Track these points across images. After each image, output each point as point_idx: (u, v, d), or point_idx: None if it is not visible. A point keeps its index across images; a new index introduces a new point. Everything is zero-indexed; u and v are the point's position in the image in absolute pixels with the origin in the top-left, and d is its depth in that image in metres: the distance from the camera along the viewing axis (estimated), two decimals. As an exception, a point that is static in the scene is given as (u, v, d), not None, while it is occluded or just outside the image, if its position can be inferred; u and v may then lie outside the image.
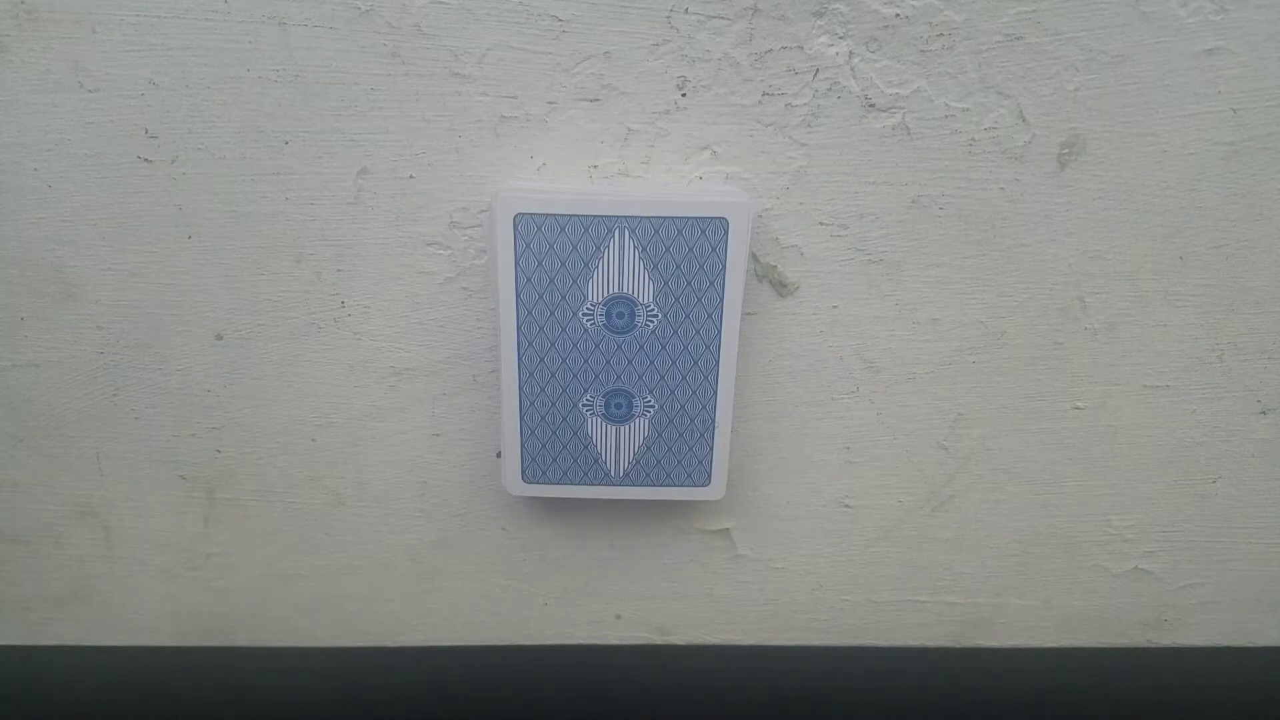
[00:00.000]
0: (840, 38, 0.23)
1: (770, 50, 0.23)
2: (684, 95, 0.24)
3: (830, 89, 0.24)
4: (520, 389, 0.25)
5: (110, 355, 0.27)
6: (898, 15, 0.23)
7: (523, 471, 0.26)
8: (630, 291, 0.23)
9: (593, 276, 0.23)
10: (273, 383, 0.27)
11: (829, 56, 0.24)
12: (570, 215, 0.23)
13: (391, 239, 0.25)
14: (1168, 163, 0.25)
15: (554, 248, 0.22)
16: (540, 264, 0.23)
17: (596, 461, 0.25)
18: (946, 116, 0.24)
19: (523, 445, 0.25)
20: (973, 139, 0.24)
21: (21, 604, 0.30)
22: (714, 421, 0.25)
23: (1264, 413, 0.28)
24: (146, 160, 0.24)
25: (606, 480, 0.26)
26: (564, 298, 0.23)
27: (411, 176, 0.25)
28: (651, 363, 0.24)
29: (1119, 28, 0.23)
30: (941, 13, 0.23)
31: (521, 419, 0.25)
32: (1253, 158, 0.25)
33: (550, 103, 0.24)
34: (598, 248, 0.23)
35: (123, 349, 0.27)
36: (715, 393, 0.25)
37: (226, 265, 0.26)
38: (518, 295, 0.23)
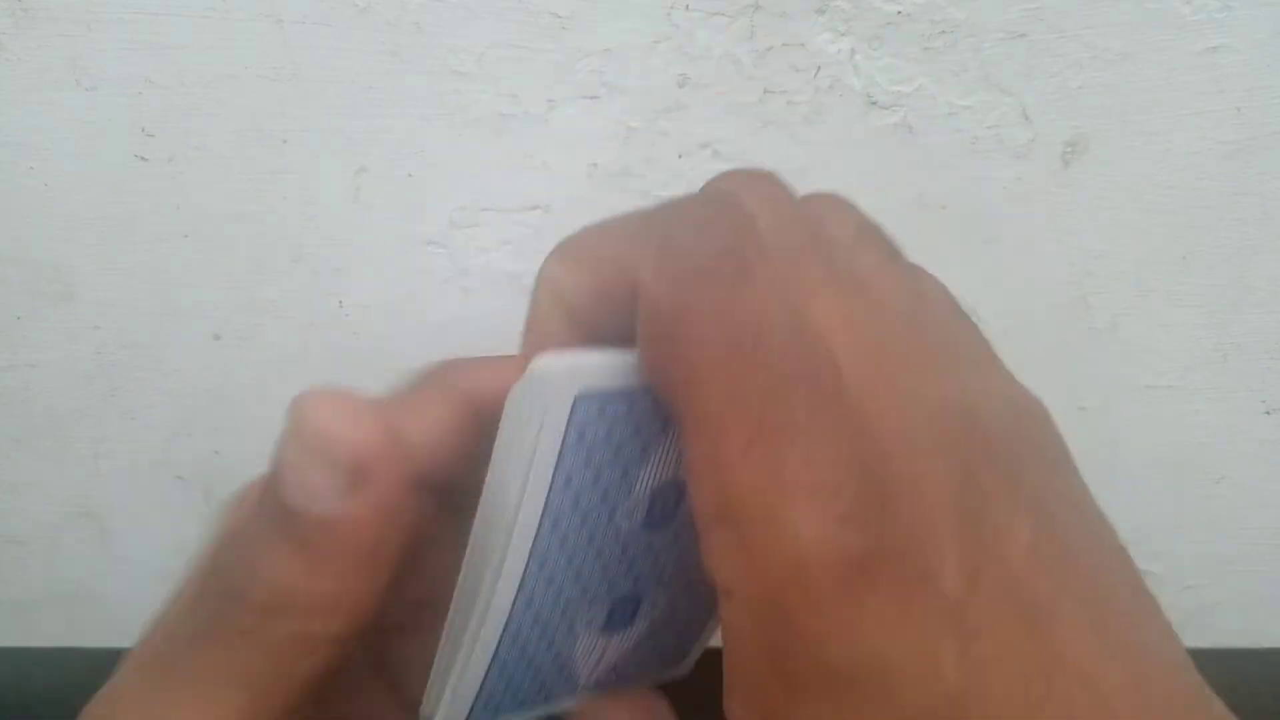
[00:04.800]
0: (842, 35, 0.23)
1: (771, 47, 0.23)
2: (684, 92, 0.24)
3: (832, 86, 0.24)
4: (504, 634, 0.17)
5: (107, 355, 0.27)
6: (900, 12, 0.23)
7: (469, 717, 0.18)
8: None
9: (650, 460, 0.16)
10: (271, 383, 0.27)
11: (831, 54, 0.23)
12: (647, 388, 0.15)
13: (390, 238, 0.25)
14: (1171, 161, 0.25)
15: (612, 433, 0.15)
16: (589, 458, 0.15)
17: (564, 673, 0.19)
18: (949, 114, 0.24)
19: (481, 695, 0.18)
20: (975, 137, 0.24)
21: (17, 605, 0.30)
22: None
23: (1268, 413, 0.28)
24: (143, 159, 0.24)
25: (570, 691, 0.19)
26: (603, 497, 0.16)
27: (410, 175, 0.24)
28: (682, 552, 0.18)
29: (1122, 25, 0.23)
30: (944, 10, 0.23)
31: (491, 669, 0.17)
32: (1257, 156, 0.25)
33: (549, 100, 0.24)
34: (665, 423, 0.16)
35: (120, 349, 0.27)
36: None
37: (224, 264, 0.25)
38: (546, 508, 0.15)
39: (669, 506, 0.17)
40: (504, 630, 0.16)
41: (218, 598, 0.14)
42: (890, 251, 0.16)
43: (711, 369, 0.12)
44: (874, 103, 0.24)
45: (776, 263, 0.13)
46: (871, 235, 0.16)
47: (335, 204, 0.25)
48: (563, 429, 0.14)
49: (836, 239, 0.15)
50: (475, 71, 0.23)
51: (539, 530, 0.15)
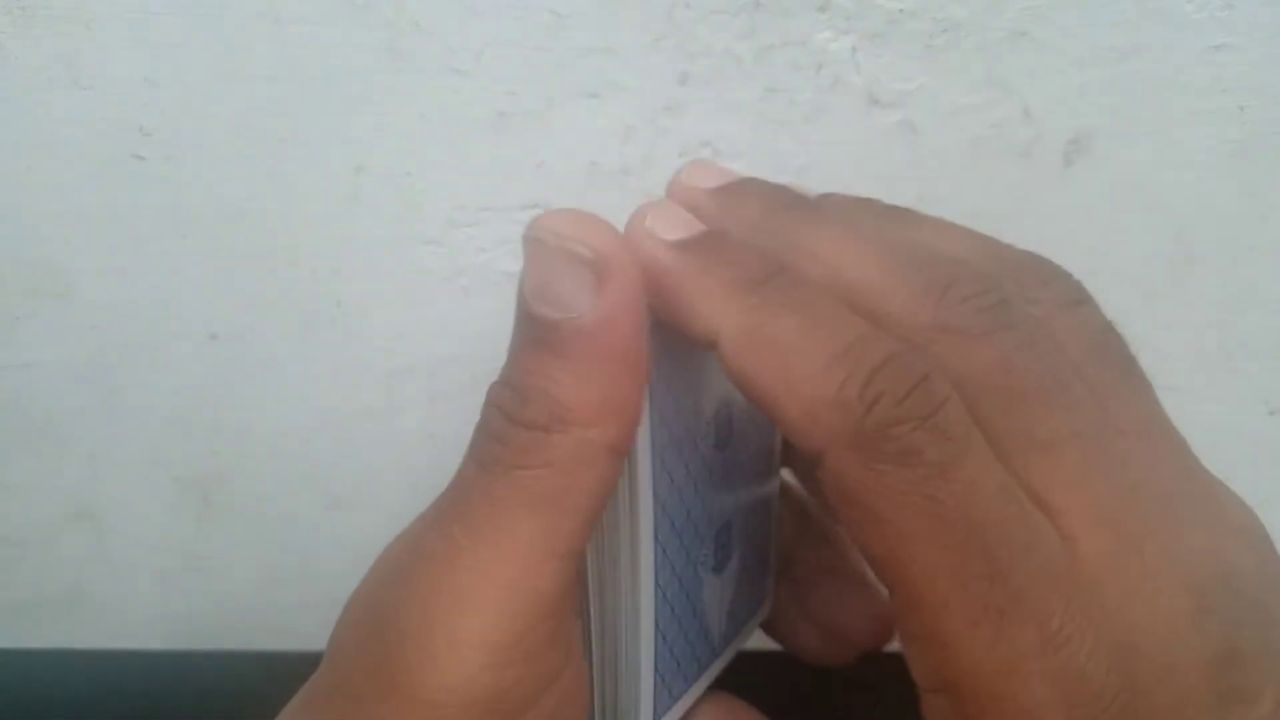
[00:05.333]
0: (844, 33, 0.23)
1: (772, 45, 0.23)
2: (685, 90, 0.24)
3: (833, 85, 0.24)
4: (657, 601, 0.16)
5: (104, 355, 0.27)
6: (902, 10, 0.23)
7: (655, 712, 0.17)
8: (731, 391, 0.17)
9: (706, 381, 0.17)
10: (268, 383, 0.27)
11: (832, 52, 0.23)
12: None
13: (388, 237, 0.25)
14: (1174, 160, 0.25)
15: (676, 357, 0.15)
16: (669, 385, 0.16)
17: (704, 632, 0.18)
18: (951, 113, 0.24)
19: (658, 679, 0.17)
20: (978, 136, 0.24)
21: (14, 606, 0.30)
22: (772, 513, 0.19)
23: (1272, 413, 0.28)
24: (141, 158, 0.24)
25: (711, 654, 0.19)
26: (686, 426, 0.16)
27: (409, 174, 0.24)
28: (742, 470, 0.18)
29: (1125, 23, 0.23)
30: (946, 8, 0.23)
31: (657, 644, 0.16)
32: (1261, 155, 0.25)
33: (549, 98, 0.24)
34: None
35: (117, 349, 0.27)
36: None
37: (221, 264, 0.25)
38: (652, 446, 0.15)
39: (726, 427, 0.17)
40: (656, 597, 0.16)
41: (495, 429, 0.14)
42: (1125, 361, 0.15)
43: (922, 550, 0.12)
44: (876, 101, 0.24)
45: (992, 430, 0.12)
46: (1105, 344, 0.15)
47: (333, 203, 0.25)
48: (649, 357, 0.15)
49: (1060, 365, 0.14)
50: (474, 70, 0.23)
51: (653, 473, 0.16)
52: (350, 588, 0.31)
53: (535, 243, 0.14)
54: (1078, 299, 0.15)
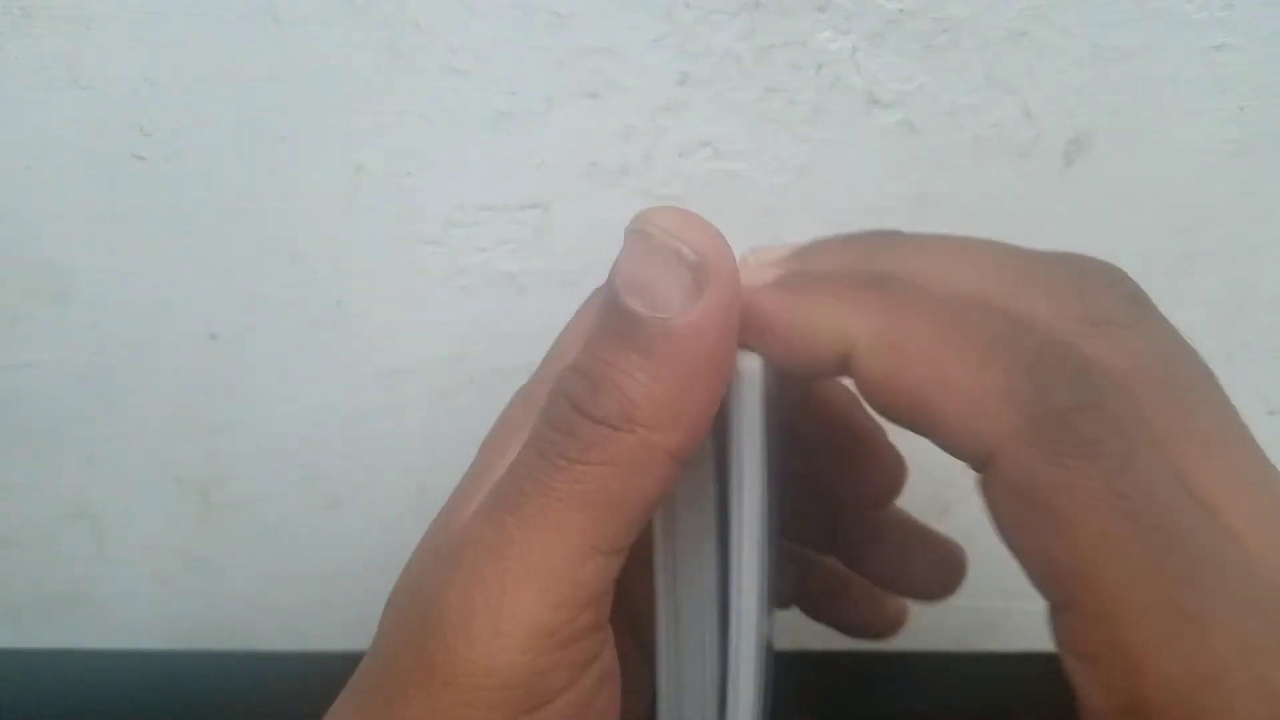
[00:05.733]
0: (843, 33, 0.23)
1: (772, 45, 0.23)
2: (685, 90, 0.24)
3: (833, 85, 0.24)
4: (757, 625, 0.16)
5: (104, 355, 0.27)
6: (901, 10, 0.23)
7: None
8: None
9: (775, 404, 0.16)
10: (268, 383, 0.27)
11: (832, 52, 0.23)
12: None
13: (388, 237, 0.25)
14: (1175, 160, 0.25)
15: (769, 385, 0.15)
16: (769, 416, 0.15)
17: (769, 653, 0.18)
18: (951, 113, 0.24)
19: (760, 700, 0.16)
20: (978, 135, 0.24)
21: (13, 607, 0.30)
22: None
23: (1271, 413, 0.28)
24: (140, 158, 0.24)
25: (768, 673, 0.18)
26: (773, 453, 0.16)
27: (408, 174, 0.24)
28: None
29: (1125, 23, 0.23)
30: (946, 8, 0.23)
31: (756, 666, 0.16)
32: (1261, 155, 0.25)
33: (549, 98, 0.24)
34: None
35: (117, 348, 0.27)
36: None
37: (221, 264, 0.25)
38: (765, 475, 0.15)
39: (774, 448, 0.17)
40: (758, 621, 0.16)
41: (560, 418, 0.14)
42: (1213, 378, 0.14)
43: (1111, 555, 0.11)
44: (876, 101, 0.24)
45: (1155, 423, 0.12)
46: (1207, 371, 0.14)
47: (333, 202, 0.25)
48: (762, 389, 0.15)
49: (1200, 359, 0.13)
50: (474, 69, 0.23)
51: (765, 504, 0.15)
52: (349, 587, 0.31)
53: (639, 234, 0.14)
54: (1146, 303, 0.15)
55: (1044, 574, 0.12)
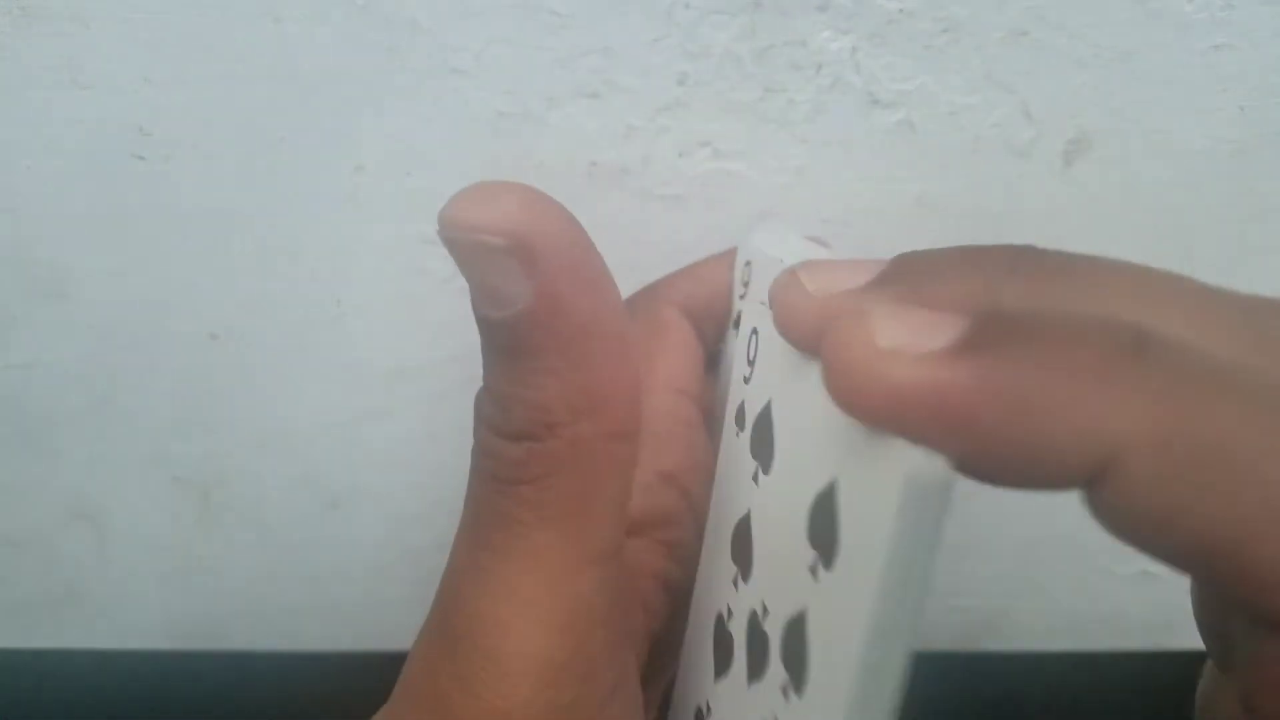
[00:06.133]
0: (843, 33, 0.23)
1: (772, 45, 0.23)
2: (685, 90, 0.24)
3: (833, 85, 0.24)
4: None
5: (103, 355, 0.27)
6: (901, 10, 0.23)
7: None
8: None
9: None
10: (267, 383, 0.27)
11: (832, 52, 0.23)
12: None
13: (388, 237, 0.25)
14: (1174, 160, 0.25)
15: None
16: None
17: None
18: (951, 113, 0.24)
19: None
20: (977, 135, 0.24)
21: (13, 607, 0.30)
22: None
23: (1271, 414, 0.28)
24: (140, 158, 0.24)
25: None
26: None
27: (408, 174, 0.24)
28: None
29: (1125, 23, 0.23)
30: (946, 8, 0.23)
31: None
32: (1260, 155, 0.25)
33: (549, 99, 0.24)
34: None
35: (116, 349, 0.26)
36: None
37: (221, 264, 0.25)
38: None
39: None
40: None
41: (486, 444, 0.13)
42: None
43: None
44: (875, 101, 0.24)
45: None
46: None
47: (333, 203, 0.25)
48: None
49: None
50: (474, 69, 0.23)
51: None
52: (350, 588, 0.31)
53: (450, 244, 0.13)
54: None
55: None
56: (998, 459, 0.10)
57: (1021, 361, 0.09)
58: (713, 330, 0.18)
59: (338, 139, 0.24)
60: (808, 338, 0.12)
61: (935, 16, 0.23)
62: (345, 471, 0.28)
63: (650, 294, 0.18)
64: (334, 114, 0.24)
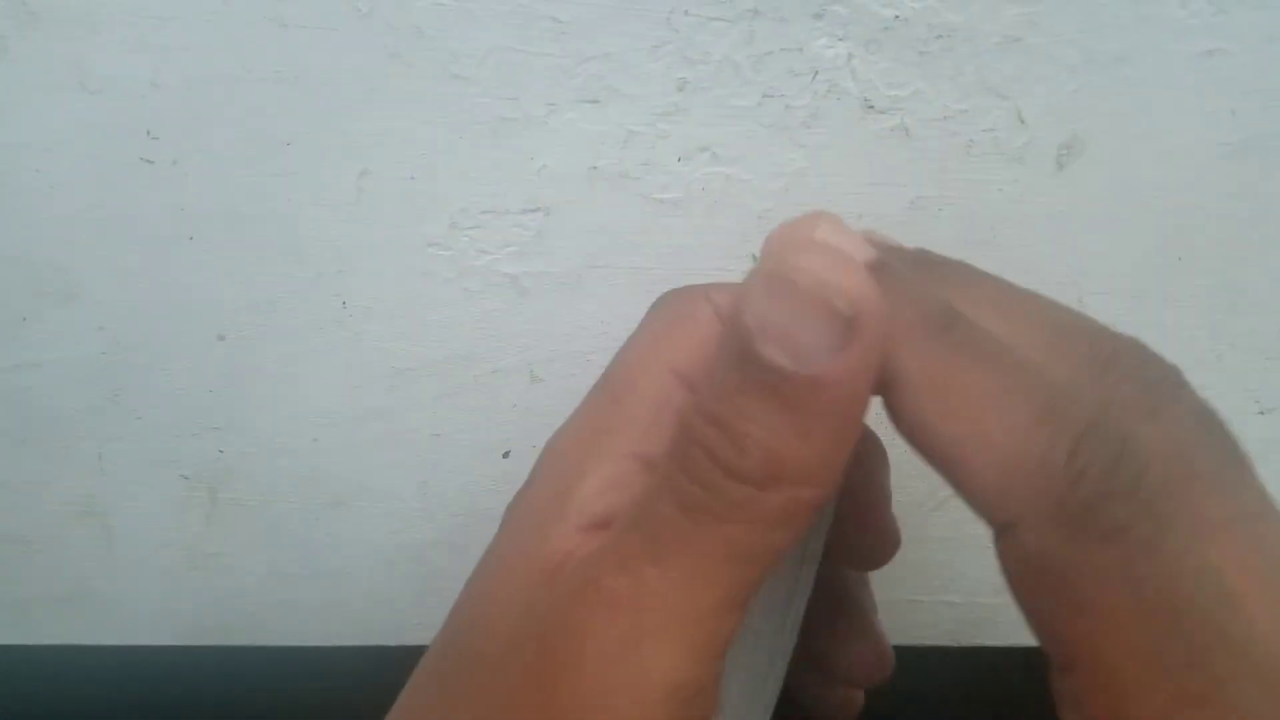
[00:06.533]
0: (840, 39, 0.23)
1: (770, 52, 0.23)
2: (684, 96, 0.24)
3: (830, 91, 0.24)
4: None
5: (111, 355, 0.27)
6: (897, 17, 0.23)
7: None
8: None
9: None
10: (274, 383, 0.27)
11: (828, 58, 0.24)
12: None
13: (392, 240, 0.25)
14: (1167, 163, 0.25)
15: None
16: None
17: None
18: (945, 118, 0.24)
19: None
20: (971, 140, 0.24)
21: (22, 603, 0.30)
22: None
23: (1262, 413, 0.28)
24: (148, 161, 0.24)
25: None
26: None
27: (412, 178, 0.25)
28: None
29: (1118, 29, 0.24)
30: (940, 14, 0.23)
31: None
32: (1253, 158, 0.25)
33: (550, 104, 0.24)
34: None
35: (124, 349, 0.27)
36: None
37: (228, 265, 0.26)
38: None
39: None
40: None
41: (702, 473, 0.13)
42: (1235, 444, 0.14)
43: (1122, 632, 0.11)
44: (871, 106, 0.24)
45: (1186, 505, 0.12)
46: (1216, 424, 0.14)
47: (338, 206, 0.25)
48: None
49: (1217, 444, 0.13)
50: (476, 75, 0.24)
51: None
52: (355, 585, 0.32)
53: (782, 280, 0.12)
54: (1182, 381, 0.14)
55: (1050, 639, 0.12)
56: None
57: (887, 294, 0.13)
58: None
59: (343, 143, 0.24)
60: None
61: (929, 23, 0.23)
62: (351, 470, 0.29)
63: (687, 289, 0.18)
64: (339, 118, 0.24)
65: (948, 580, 0.31)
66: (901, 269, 0.14)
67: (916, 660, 0.32)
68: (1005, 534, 0.12)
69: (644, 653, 0.13)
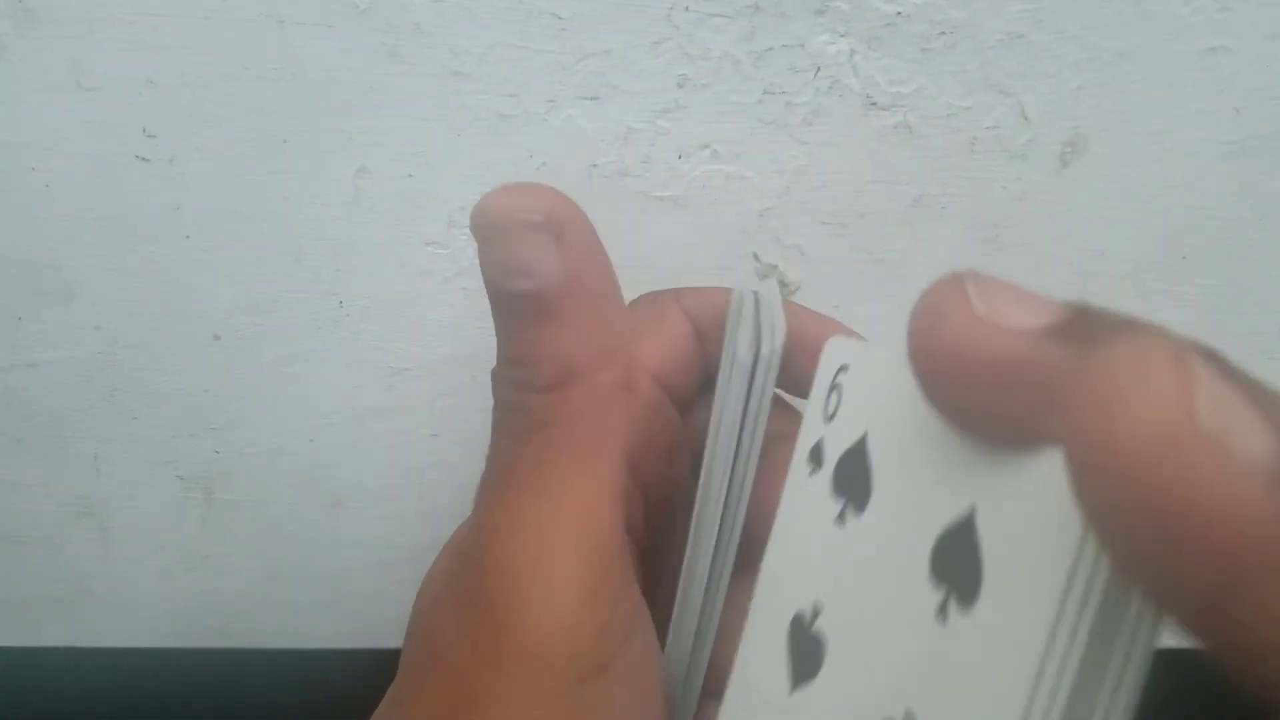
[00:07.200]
0: (842, 35, 0.23)
1: (771, 48, 0.23)
2: (684, 93, 0.24)
3: (831, 87, 0.24)
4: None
5: (108, 355, 0.27)
6: (899, 13, 0.23)
7: None
8: None
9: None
10: (271, 383, 0.27)
11: (830, 55, 0.23)
12: None
13: (390, 238, 0.25)
14: (1170, 161, 0.25)
15: None
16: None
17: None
18: (948, 115, 0.24)
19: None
20: (974, 137, 0.24)
21: (18, 605, 0.30)
22: None
23: (1267, 413, 0.28)
24: (145, 160, 0.24)
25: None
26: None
27: (410, 176, 0.25)
28: None
29: (1121, 26, 0.23)
30: (943, 11, 0.23)
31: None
32: (1256, 157, 0.25)
33: (550, 101, 0.24)
34: None
35: (121, 349, 0.27)
36: None
37: (225, 265, 0.26)
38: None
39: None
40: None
41: (515, 400, 0.15)
42: None
43: None
44: (873, 103, 0.24)
45: None
46: None
47: (336, 204, 0.25)
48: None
49: None
50: (475, 72, 0.23)
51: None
52: (352, 586, 0.32)
53: (489, 227, 0.15)
54: None
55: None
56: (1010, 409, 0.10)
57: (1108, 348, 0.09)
58: (715, 346, 0.18)
59: (340, 141, 0.24)
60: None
61: (932, 20, 0.23)
62: (348, 470, 0.28)
63: (660, 292, 0.19)
64: (337, 116, 0.24)
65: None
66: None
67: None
68: (1220, 596, 0.08)
69: (539, 565, 0.14)
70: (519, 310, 0.15)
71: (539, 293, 0.14)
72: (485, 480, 0.16)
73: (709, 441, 0.17)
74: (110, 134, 0.24)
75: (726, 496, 0.17)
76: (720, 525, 0.17)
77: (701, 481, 0.17)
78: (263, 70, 0.23)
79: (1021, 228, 0.25)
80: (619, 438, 0.15)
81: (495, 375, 0.16)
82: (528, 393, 0.15)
